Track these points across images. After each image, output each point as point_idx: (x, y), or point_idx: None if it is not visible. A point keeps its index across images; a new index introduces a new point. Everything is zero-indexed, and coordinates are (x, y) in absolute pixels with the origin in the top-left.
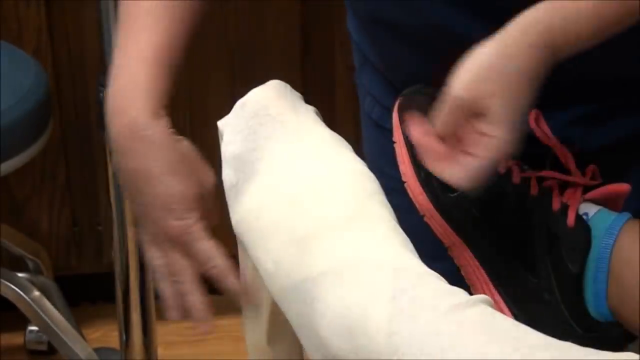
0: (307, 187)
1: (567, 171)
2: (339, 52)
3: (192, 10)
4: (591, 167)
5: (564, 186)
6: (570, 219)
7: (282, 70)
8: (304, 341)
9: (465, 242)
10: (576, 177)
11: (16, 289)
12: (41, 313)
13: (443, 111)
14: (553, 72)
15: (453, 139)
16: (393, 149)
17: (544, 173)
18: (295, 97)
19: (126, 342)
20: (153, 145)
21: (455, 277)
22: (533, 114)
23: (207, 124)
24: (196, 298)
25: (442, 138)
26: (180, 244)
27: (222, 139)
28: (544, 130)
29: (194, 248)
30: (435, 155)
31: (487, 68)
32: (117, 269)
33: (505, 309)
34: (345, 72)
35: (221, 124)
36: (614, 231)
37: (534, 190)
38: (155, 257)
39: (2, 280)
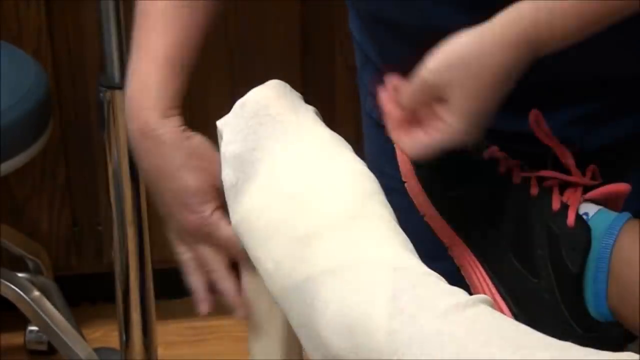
0: (307, 187)
1: (567, 171)
2: (339, 52)
3: (204, 10)
4: (591, 167)
5: (564, 186)
6: (570, 219)
7: (282, 70)
8: (304, 341)
9: (465, 241)
10: (576, 177)
11: (16, 289)
12: (41, 313)
13: (409, 89)
14: (553, 72)
15: (416, 114)
16: (393, 149)
17: (544, 173)
18: (295, 97)
19: (126, 342)
20: (164, 145)
21: (455, 277)
22: (533, 114)
23: (207, 124)
24: (228, 284)
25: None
26: (203, 237)
27: (221, 138)
28: (544, 130)
29: (215, 238)
30: (396, 123)
31: (458, 58)
32: (117, 269)
33: (505, 309)
34: (345, 72)
35: (220, 123)
36: (614, 231)
37: (534, 190)
38: (182, 252)
39: (2, 280)
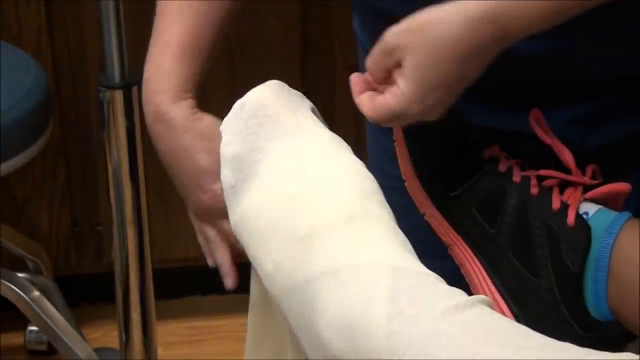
0: (306, 188)
1: (567, 170)
2: (339, 52)
3: (221, 6)
4: (591, 167)
5: (564, 185)
6: (570, 218)
7: (282, 70)
8: (303, 341)
9: (465, 240)
10: (576, 177)
11: (16, 289)
12: (41, 313)
13: (373, 51)
14: (553, 71)
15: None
16: (394, 148)
17: (544, 172)
18: (294, 97)
19: (126, 342)
20: (175, 127)
21: (455, 276)
22: (533, 114)
23: None
24: None
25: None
26: (219, 214)
27: (220, 139)
28: (544, 130)
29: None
30: (360, 89)
31: (419, 24)
32: (117, 269)
33: (505, 308)
34: (345, 72)
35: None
36: (614, 230)
37: (534, 189)
38: (204, 230)
39: (2, 280)
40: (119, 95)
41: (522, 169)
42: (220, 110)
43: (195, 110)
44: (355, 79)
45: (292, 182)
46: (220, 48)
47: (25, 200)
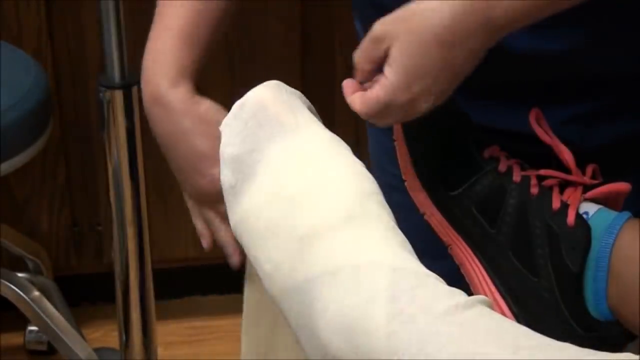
0: (305, 188)
1: (567, 170)
2: (339, 52)
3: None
4: (591, 166)
5: (564, 185)
6: (571, 218)
7: (282, 70)
8: (303, 341)
9: (465, 240)
10: (576, 176)
11: (16, 289)
12: (41, 313)
13: (362, 42)
14: (553, 70)
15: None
16: (394, 147)
17: (544, 172)
18: (293, 97)
19: (126, 342)
20: (173, 111)
21: (455, 276)
22: (534, 113)
23: None
24: None
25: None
26: (218, 199)
27: (219, 140)
28: (544, 129)
29: None
30: (351, 90)
31: (404, 11)
32: (117, 269)
33: (505, 308)
34: (345, 72)
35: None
36: (614, 230)
37: (534, 189)
38: (203, 213)
39: (2, 280)
40: (119, 95)
41: (522, 169)
42: None
43: (194, 94)
44: (347, 82)
45: (292, 183)
46: (219, 40)
47: (25, 200)
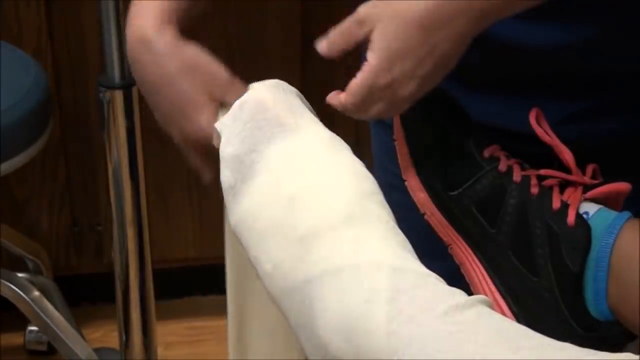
0: (305, 188)
1: (567, 170)
2: None
3: None
4: (591, 166)
5: (564, 185)
6: (571, 218)
7: (282, 70)
8: (303, 341)
9: (465, 240)
10: (576, 176)
11: (16, 289)
12: (41, 313)
13: (344, 22)
14: (553, 66)
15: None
16: (394, 147)
17: (544, 172)
18: (293, 96)
19: (126, 342)
20: (158, 54)
21: (455, 276)
22: (534, 112)
23: None
24: None
25: None
26: (206, 145)
27: (219, 139)
28: (544, 129)
29: (212, 147)
30: (335, 94)
31: None
32: (117, 269)
33: (505, 308)
34: (345, 72)
35: (218, 125)
36: (614, 230)
37: (534, 188)
38: (194, 152)
39: (2, 280)
40: (119, 95)
41: (523, 169)
42: None
43: (179, 39)
44: (331, 95)
45: (291, 183)
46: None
47: (25, 200)
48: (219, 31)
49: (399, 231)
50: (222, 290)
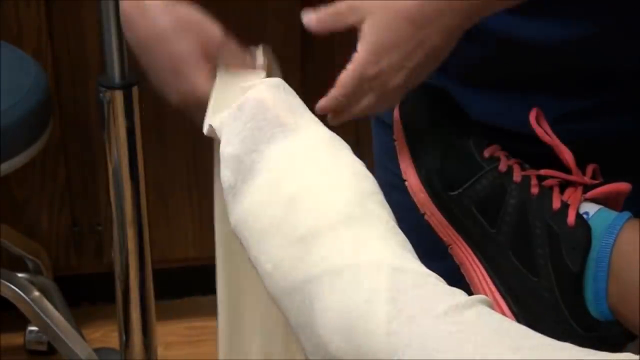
0: (305, 188)
1: (567, 170)
2: (338, 52)
3: None
4: (592, 166)
5: (564, 185)
6: (571, 218)
7: (282, 70)
8: (303, 340)
9: (465, 240)
10: (577, 176)
11: (16, 289)
12: (41, 313)
13: (337, 3)
14: (553, 63)
15: None
16: (395, 147)
17: (544, 172)
18: (293, 96)
19: (126, 342)
20: (151, 12)
21: (455, 276)
22: (534, 112)
23: None
24: None
25: None
26: (200, 105)
27: (213, 136)
28: (544, 129)
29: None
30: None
31: None
32: (117, 269)
33: (505, 308)
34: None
35: (217, 123)
36: (614, 230)
37: (534, 189)
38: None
39: (2, 280)
40: (119, 95)
41: (523, 169)
42: None
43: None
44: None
45: (291, 183)
46: None
47: (25, 200)
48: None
49: (399, 231)
50: None
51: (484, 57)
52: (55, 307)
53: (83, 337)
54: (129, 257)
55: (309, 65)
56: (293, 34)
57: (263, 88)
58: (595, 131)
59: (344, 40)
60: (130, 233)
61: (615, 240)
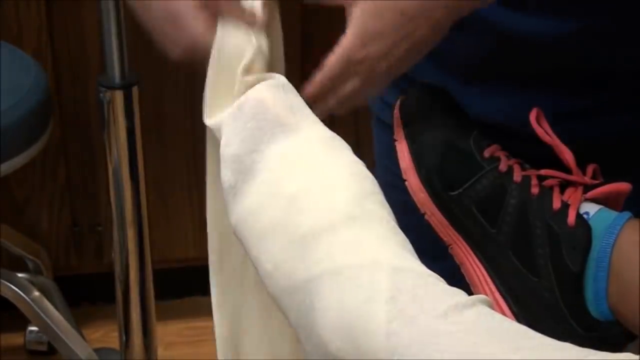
0: (305, 188)
1: (568, 170)
2: None
3: None
4: (592, 166)
5: (564, 185)
6: (571, 218)
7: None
8: (303, 340)
9: (465, 240)
10: (577, 176)
11: (16, 289)
12: (41, 313)
13: None
14: (553, 63)
15: None
16: (395, 146)
17: (544, 172)
18: (292, 95)
19: (126, 342)
20: None
21: (455, 276)
22: (534, 112)
23: None
24: None
25: None
26: (201, 57)
27: (211, 133)
28: (545, 129)
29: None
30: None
31: None
32: (117, 269)
33: (505, 308)
34: None
35: (216, 123)
36: (614, 230)
37: (534, 189)
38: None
39: (2, 281)
40: (119, 95)
41: (523, 169)
42: None
43: None
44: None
45: (292, 182)
46: None
47: (25, 200)
48: None
49: (399, 231)
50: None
51: (483, 53)
52: (56, 307)
53: (83, 337)
54: (129, 257)
55: (309, 65)
56: (293, 34)
57: (263, 88)
58: (596, 131)
59: None
60: (130, 233)
61: (615, 240)
